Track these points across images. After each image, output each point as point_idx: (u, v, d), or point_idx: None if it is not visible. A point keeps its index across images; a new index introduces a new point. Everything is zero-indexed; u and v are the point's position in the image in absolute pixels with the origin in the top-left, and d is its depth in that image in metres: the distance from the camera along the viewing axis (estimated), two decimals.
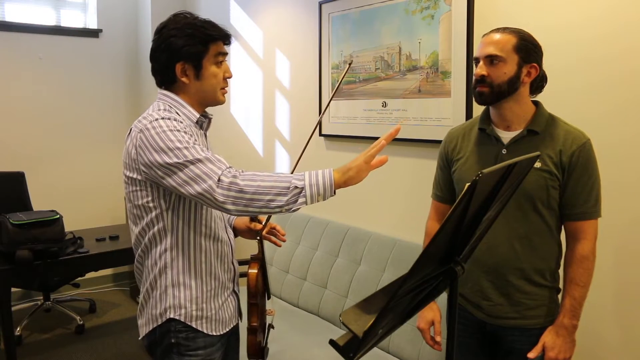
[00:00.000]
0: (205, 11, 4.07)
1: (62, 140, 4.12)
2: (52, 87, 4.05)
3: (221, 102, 1.51)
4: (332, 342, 0.93)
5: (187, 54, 1.41)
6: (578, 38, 1.94)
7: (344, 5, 2.85)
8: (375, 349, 2.28)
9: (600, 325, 1.93)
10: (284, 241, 1.68)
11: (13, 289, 3.63)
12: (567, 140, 1.49)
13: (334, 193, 1.25)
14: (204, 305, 1.46)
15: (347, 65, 1.85)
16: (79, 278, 3.85)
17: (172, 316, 1.43)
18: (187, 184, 1.28)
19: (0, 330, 2.92)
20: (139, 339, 1.51)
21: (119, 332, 3.53)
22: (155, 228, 1.42)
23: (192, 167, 1.27)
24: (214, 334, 1.49)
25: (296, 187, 1.22)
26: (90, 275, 3.93)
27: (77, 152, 4.19)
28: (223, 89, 1.49)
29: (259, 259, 1.68)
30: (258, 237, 1.69)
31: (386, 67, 2.66)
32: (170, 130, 1.32)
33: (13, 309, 3.22)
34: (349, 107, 2.87)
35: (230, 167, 1.29)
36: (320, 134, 3.07)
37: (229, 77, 1.50)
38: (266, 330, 1.80)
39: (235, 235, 1.68)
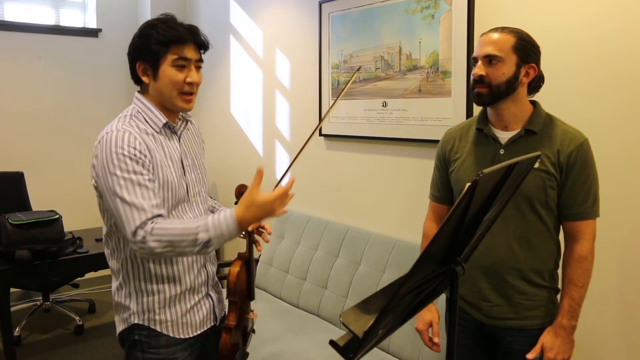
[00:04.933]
0: (205, 11, 4.06)
1: (61, 140, 4.12)
2: (51, 86, 4.05)
3: (181, 109, 1.47)
4: (332, 343, 0.93)
5: (146, 53, 1.40)
6: (578, 38, 1.94)
7: (344, 4, 2.85)
8: (375, 349, 2.28)
9: (601, 327, 1.93)
10: (266, 241, 1.65)
11: (12, 289, 3.63)
12: (564, 140, 1.48)
13: (241, 232, 1.35)
14: (168, 309, 1.48)
15: (355, 72, 1.83)
16: (79, 278, 3.85)
17: (135, 321, 1.48)
18: (114, 215, 1.35)
19: None
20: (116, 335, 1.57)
21: None
22: (116, 235, 1.46)
23: (118, 202, 1.32)
24: (181, 336, 1.50)
25: (203, 241, 1.30)
26: (89, 275, 3.92)
27: (76, 152, 4.19)
28: (185, 94, 1.44)
29: (245, 257, 1.66)
30: (242, 234, 1.65)
31: (386, 66, 2.66)
32: (116, 153, 1.34)
33: (12, 309, 3.21)
34: (349, 107, 2.87)
35: (149, 219, 1.31)
36: (320, 134, 3.07)
37: (191, 82, 1.43)
38: (247, 333, 1.74)
39: None
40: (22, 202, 3.50)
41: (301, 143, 3.26)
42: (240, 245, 1.70)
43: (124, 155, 1.34)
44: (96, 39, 4.23)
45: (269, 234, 1.65)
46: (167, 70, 1.41)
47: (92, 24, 4.24)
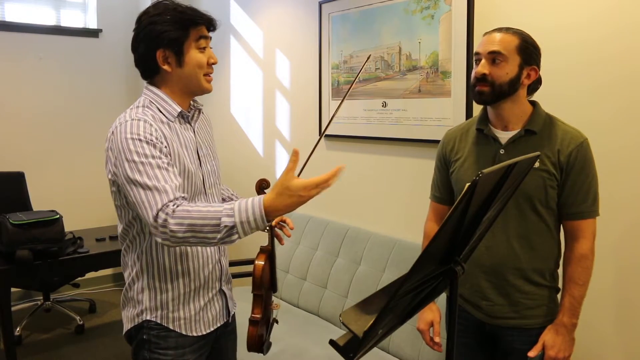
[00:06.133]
0: (205, 11, 4.06)
1: (62, 140, 4.12)
2: (52, 87, 4.05)
3: (207, 90, 1.46)
4: (332, 342, 0.93)
5: (167, 39, 1.36)
6: (579, 39, 1.94)
7: (344, 5, 2.85)
8: (375, 349, 2.28)
9: (599, 324, 1.93)
10: (288, 236, 1.64)
11: (13, 289, 3.63)
12: (564, 140, 1.49)
13: (268, 222, 1.20)
14: (182, 306, 1.45)
15: (366, 59, 1.83)
16: (79, 278, 3.86)
17: (147, 318, 1.44)
18: (134, 203, 1.28)
19: (0, 330, 2.92)
20: (123, 334, 1.53)
21: (119, 332, 3.53)
22: (134, 230, 1.42)
23: (139, 189, 1.26)
24: (193, 334, 1.47)
25: (226, 227, 1.18)
26: (90, 275, 3.93)
27: (77, 152, 4.19)
28: (208, 75, 1.44)
29: (268, 251, 1.65)
30: (267, 229, 1.64)
31: (386, 67, 2.66)
32: (132, 139, 1.29)
33: (13, 309, 3.22)
34: (349, 107, 2.87)
35: (170, 200, 1.23)
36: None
37: (214, 63, 1.44)
38: (270, 324, 1.78)
39: None
40: (22, 202, 3.50)
41: (301, 143, 3.26)
42: (262, 239, 1.70)
43: (140, 140, 1.29)
44: (96, 39, 4.24)
45: (292, 228, 1.62)
46: (193, 54, 1.40)
47: (92, 24, 4.25)
